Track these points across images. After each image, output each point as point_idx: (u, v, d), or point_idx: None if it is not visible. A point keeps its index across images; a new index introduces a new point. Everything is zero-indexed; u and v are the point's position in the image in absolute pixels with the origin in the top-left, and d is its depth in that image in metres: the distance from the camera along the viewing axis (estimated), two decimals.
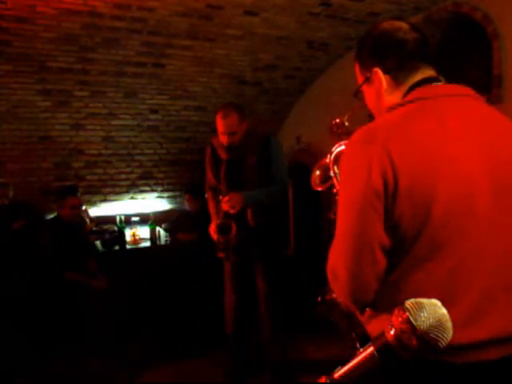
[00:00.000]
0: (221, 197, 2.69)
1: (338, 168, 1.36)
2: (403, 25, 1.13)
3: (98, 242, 4.22)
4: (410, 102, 1.05)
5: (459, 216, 0.95)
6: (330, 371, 0.77)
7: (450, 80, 1.13)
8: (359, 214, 0.97)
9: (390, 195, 0.94)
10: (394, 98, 1.11)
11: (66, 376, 2.93)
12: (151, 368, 3.14)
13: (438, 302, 0.72)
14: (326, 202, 4.12)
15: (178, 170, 5.26)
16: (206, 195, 3.07)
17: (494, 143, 1.02)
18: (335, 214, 1.40)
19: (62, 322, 3.12)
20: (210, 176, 2.95)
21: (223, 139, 2.72)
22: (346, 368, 0.75)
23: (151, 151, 5.03)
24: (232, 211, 2.66)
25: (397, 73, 1.10)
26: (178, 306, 3.71)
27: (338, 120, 1.47)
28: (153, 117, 4.72)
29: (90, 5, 3.03)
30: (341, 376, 0.75)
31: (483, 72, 3.30)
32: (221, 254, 2.76)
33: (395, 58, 1.10)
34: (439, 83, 1.09)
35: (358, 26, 3.67)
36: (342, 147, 1.35)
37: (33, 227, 3.62)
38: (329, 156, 1.37)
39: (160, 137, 4.96)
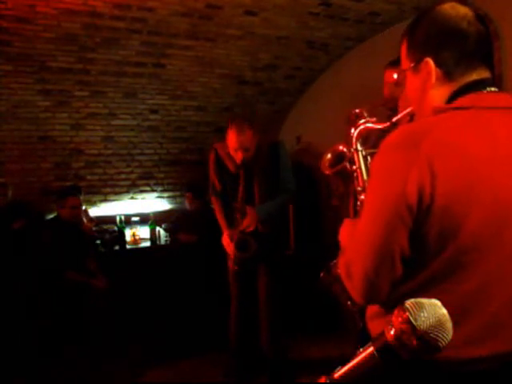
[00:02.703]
0: (238, 215, 2.74)
1: (360, 146, 1.34)
2: (468, 12, 0.99)
3: (98, 242, 4.22)
4: (463, 108, 0.94)
5: (486, 242, 0.90)
6: (329, 371, 0.77)
7: None
8: (386, 225, 0.91)
9: (422, 211, 0.88)
10: (440, 94, 1.00)
11: (65, 376, 2.93)
12: (151, 368, 3.14)
13: (438, 302, 0.72)
14: (326, 193, 4.12)
15: (178, 170, 5.25)
16: (212, 203, 3.08)
17: None
18: (340, 196, 1.41)
19: (62, 322, 3.12)
20: (216, 183, 2.95)
21: (237, 156, 2.71)
22: (346, 368, 0.75)
23: (151, 151, 5.03)
24: (249, 230, 2.71)
25: (451, 68, 0.98)
26: (178, 306, 3.72)
27: (357, 110, 1.43)
28: (153, 117, 4.72)
29: (89, 5, 3.03)
30: (341, 376, 0.75)
31: None
32: (235, 267, 2.79)
33: (453, 51, 0.98)
34: (492, 88, 0.99)
35: (358, 25, 3.68)
36: (370, 124, 1.33)
37: (33, 227, 3.62)
38: (353, 130, 1.35)
39: (160, 137, 4.96)
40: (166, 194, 5.29)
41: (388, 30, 3.74)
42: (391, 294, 0.96)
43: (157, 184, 5.21)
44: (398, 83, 1.19)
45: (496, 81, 3.50)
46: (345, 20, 3.58)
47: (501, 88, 3.55)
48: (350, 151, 1.34)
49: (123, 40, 3.56)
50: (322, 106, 4.57)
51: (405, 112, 1.18)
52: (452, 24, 0.98)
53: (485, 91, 0.98)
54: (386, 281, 0.94)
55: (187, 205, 4.51)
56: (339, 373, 0.76)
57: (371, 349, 0.73)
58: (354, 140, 1.33)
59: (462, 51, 0.98)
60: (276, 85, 4.76)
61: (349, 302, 1.34)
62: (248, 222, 2.70)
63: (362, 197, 1.34)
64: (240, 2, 3.17)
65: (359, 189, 1.32)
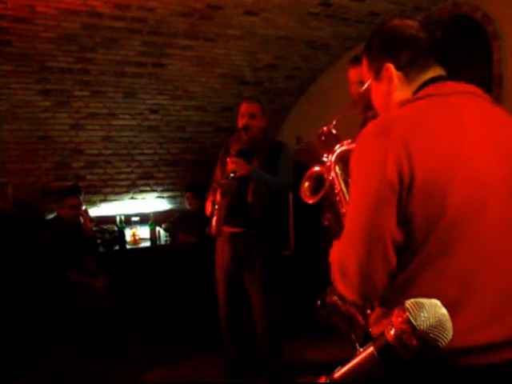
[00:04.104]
0: (228, 158, 2.63)
1: (340, 169, 1.34)
2: (414, 23, 1.12)
3: (98, 242, 4.22)
4: (425, 96, 1.03)
5: (471, 215, 0.93)
6: (330, 371, 0.77)
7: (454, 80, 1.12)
8: (373, 208, 0.94)
9: (405, 188, 0.91)
10: (404, 94, 1.08)
11: (66, 376, 2.93)
12: (151, 368, 3.14)
13: (438, 302, 0.72)
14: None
15: (178, 170, 5.25)
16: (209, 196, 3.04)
17: (508, 144, 1.01)
18: (329, 219, 1.39)
19: (62, 322, 3.12)
20: (218, 176, 2.93)
21: (241, 121, 2.78)
22: (346, 368, 0.75)
23: (151, 151, 5.03)
24: (235, 175, 2.57)
25: (409, 69, 1.08)
26: (178, 306, 3.72)
27: (325, 128, 1.45)
28: (153, 117, 4.72)
29: (89, 5, 3.03)
30: (341, 376, 0.75)
31: (483, 72, 3.30)
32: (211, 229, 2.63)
33: (409, 53, 1.08)
34: (446, 82, 1.08)
35: (358, 25, 3.68)
36: (344, 147, 1.34)
37: (33, 227, 3.62)
38: (330, 156, 1.35)
39: (160, 137, 4.96)
40: (165, 194, 5.29)
41: None
42: (389, 286, 0.97)
43: (157, 184, 5.21)
44: (363, 96, 1.21)
45: (496, 81, 3.47)
46: (345, 20, 3.58)
47: (501, 88, 3.53)
48: (328, 175, 1.33)
49: (123, 40, 3.56)
50: (322, 106, 4.57)
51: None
52: (403, 31, 1.11)
53: (443, 82, 1.07)
54: (382, 271, 0.95)
55: (187, 205, 4.51)
56: (339, 373, 0.76)
57: (371, 349, 0.73)
58: (332, 165, 1.33)
59: (416, 52, 1.09)
60: (276, 85, 4.76)
61: (353, 335, 1.32)
62: (235, 160, 2.58)
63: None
64: (240, 1, 3.17)
65: (343, 211, 1.31)
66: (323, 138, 1.44)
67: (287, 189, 2.86)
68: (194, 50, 3.88)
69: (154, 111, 4.66)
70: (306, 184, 1.40)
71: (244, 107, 2.81)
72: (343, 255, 1.00)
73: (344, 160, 1.31)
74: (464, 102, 1.03)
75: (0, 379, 2.87)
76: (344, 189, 1.32)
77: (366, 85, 1.18)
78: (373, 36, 1.16)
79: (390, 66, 1.09)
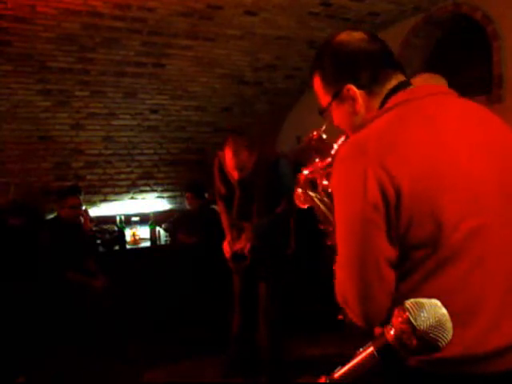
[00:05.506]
0: (234, 230, 2.81)
1: (312, 192, 1.33)
2: (362, 35, 1.06)
3: (98, 242, 4.22)
4: (394, 106, 0.98)
5: (470, 217, 0.90)
6: (330, 371, 0.77)
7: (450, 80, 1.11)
8: (359, 232, 0.91)
9: (392, 206, 0.88)
10: (370, 109, 1.04)
11: (66, 376, 2.93)
12: (151, 368, 3.14)
13: (438, 302, 0.71)
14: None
15: (178, 170, 5.25)
16: (218, 206, 3.11)
17: (489, 139, 0.98)
18: (323, 224, 1.39)
19: (62, 322, 3.12)
20: (220, 188, 2.96)
21: (233, 173, 2.76)
22: (346, 368, 0.75)
23: (151, 151, 5.03)
24: (244, 250, 2.76)
25: (372, 85, 1.03)
26: (178, 306, 3.71)
27: (315, 133, 1.44)
28: (153, 117, 4.72)
29: (89, 5, 3.03)
30: (341, 376, 0.75)
31: (483, 72, 3.30)
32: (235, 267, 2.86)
33: (368, 71, 1.03)
34: (411, 87, 1.03)
35: (358, 26, 3.67)
36: (311, 171, 1.33)
37: (33, 227, 3.62)
38: (299, 190, 1.36)
39: (160, 137, 4.96)
40: (165, 194, 5.29)
41: (388, 30, 3.74)
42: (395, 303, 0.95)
43: (157, 184, 5.21)
44: (325, 118, 1.20)
45: (496, 81, 3.48)
46: (345, 20, 3.58)
47: (501, 88, 3.53)
48: (320, 180, 1.33)
49: (123, 40, 3.56)
50: None
51: (339, 142, 1.21)
52: (354, 48, 1.04)
53: (406, 89, 1.02)
54: (380, 292, 0.92)
55: (187, 205, 4.50)
56: (339, 373, 0.76)
57: (371, 349, 0.73)
58: (304, 190, 1.32)
59: (375, 67, 1.03)
60: (276, 85, 4.76)
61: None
62: (243, 244, 2.75)
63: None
64: (240, 1, 3.17)
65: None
66: (313, 143, 1.43)
67: (290, 211, 2.85)
68: (194, 50, 3.88)
69: (154, 111, 4.66)
70: (299, 190, 1.40)
71: (230, 160, 2.69)
72: (341, 284, 0.99)
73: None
74: (438, 102, 0.99)
75: (0, 379, 2.87)
76: (324, 208, 1.31)
77: (325, 107, 1.14)
78: (322, 55, 1.10)
79: (352, 87, 1.04)
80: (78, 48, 3.57)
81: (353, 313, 0.97)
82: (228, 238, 2.88)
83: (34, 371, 2.99)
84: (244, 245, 2.75)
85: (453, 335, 0.69)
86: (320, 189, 1.32)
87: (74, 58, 3.70)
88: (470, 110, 1.04)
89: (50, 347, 3.08)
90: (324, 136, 1.42)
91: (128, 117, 4.62)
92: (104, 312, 3.27)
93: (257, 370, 2.91)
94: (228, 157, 2.72)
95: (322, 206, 1.31)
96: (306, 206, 1.40)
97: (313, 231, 1.53)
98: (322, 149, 1.37)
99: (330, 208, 1.30)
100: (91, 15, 3.16)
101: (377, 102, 1.03)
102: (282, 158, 2.87)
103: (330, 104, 1.11)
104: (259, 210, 2.77)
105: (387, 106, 1.00)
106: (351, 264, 0.94)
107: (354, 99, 1.04)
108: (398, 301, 0.91)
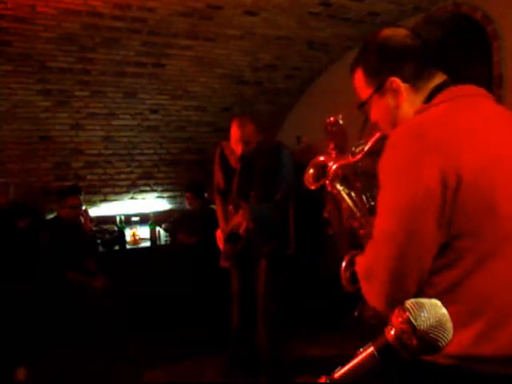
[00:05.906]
0: (231, 207, 2.77)
1: (339, 186, 1.31)
2: (406, 31, 1.09)
3: (98, 242, 4.22)
4: (440, 103, 0.99)
5: None
6: (330, 371, 0.77)
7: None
8: (408, 213, 0.91)
9: (450, 192, 0.88)
10: (413, 105, 1.05)
11: (66, 376, 2.93)
12: (151, 368, 3.14)
13: (438, 302, 0.71)
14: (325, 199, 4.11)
15: (178, 170, 5.25)
16: (215, 199, 3.11)
17: None
18: (330, 211, 1.38)
19: (62, 322, 3.12)
20: (219, 181, 2.96)
21: (237, 148, 2.75)
22: (346, 368, 0.75)
23: (151, 151, 5.03)
24: (239, 228, 2.73)
25: (416, 80, 1.05)
26: (178, 306, 3.72)
27: (332, 118, 1.44)
28: (153, 117, 4.72)
29: (89, 5, 3.03)
30: (341, 376, 0.75)
31: (483, 72, 3.30)
32: (224, 264, 2.79)
33: (412, 65, 1.05)
34: (456, 85, 1.05)
35: (358, 25, 3.68)
36: (335, 166, 1.32)
37: (34, 227, 3.62)
38: (332, 164, 1.34)
39: (160, 137, 4.96)
40: (165, 194, 5.29)
41: None
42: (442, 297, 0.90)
43: (157, 184, 5.21)
44: (363, 112, 1.18)
45: (496, 81, 3.47)
46: (345, 20, 3.58)
47: (501, 88, 3.53)
48: (331, 166, 1.32)
49: (123, 40, 3.56)
50: (321, 106, 4.57)
51: (374, 138, 1.19)
52: (399, 42, 1.06)
53: (454, 87, 1.04)
54: (413, 276, 0.93)
55: (187, 205, 4.51)
56: (339, 373, 0.76)
57: (371, 349, 0.73)
58: (331, 184, 1.30)
59: (418, 63, 1.05)
60: (276, 85, 4.76)
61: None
62: (239, 220, 2.72)
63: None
64: (240, 1, 3.17)
65: (345, 206, 1.29)
66: (330, 128, 1.43)
67: (288, 198, 2.85)
68: (194, 50, 3.88)
69: (154, 111, 4.66)
70: (311, 171, 1.40)
71: (236, 133, 2.72)
72: (371, 261, 0.98)
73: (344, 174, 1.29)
74: (485, 102, 1.03)
75: (0, 379, 2.87)
76: (351, 204, 1.30)
77: (365, 99, 1.13)
78: (366, 49, 1.11)
79: (396, 80, 1.05)
80: (77, 48, 3.57)
81: (375, 291, 0.96)
82: (222, 226, 2.88)
83: (34, 371, 2.99)
84: (240, 221, 2.72)
85: (484, 335, 0.68)
86: (352, 185, 1.30)
87: (74, 58, 3.70)
88: (502, 112, 1.06)
89: (50, 347, 3.08)
90: (341, 122, 1.42)
91: (128, 117, 4.62)
92: (104, 312, 3.27)
93: (257, 369, 2.91)
94: (233, 131, 2.74)
95: (349, 201, 1.29)
96: (315, 187, 1.39)
97: (313, 224, 1.53)
98: (337, 134, 1.37)
99: (357, 203, 1.28)
100: (91, 15, 3.16)
101: (420, 98, 1.04)
102: (284, 148, 2.88)
103: (371, 96, 1.11)
104: (258, 195, 2.76)
105: (435, 101, 1.01)
106: (394, 240, 0.93)
107: (397, 92, 1.05)
108: (440, 293, 0.91)
